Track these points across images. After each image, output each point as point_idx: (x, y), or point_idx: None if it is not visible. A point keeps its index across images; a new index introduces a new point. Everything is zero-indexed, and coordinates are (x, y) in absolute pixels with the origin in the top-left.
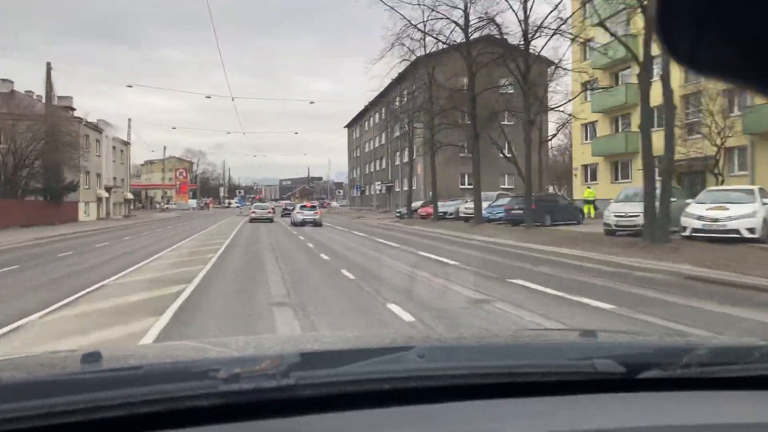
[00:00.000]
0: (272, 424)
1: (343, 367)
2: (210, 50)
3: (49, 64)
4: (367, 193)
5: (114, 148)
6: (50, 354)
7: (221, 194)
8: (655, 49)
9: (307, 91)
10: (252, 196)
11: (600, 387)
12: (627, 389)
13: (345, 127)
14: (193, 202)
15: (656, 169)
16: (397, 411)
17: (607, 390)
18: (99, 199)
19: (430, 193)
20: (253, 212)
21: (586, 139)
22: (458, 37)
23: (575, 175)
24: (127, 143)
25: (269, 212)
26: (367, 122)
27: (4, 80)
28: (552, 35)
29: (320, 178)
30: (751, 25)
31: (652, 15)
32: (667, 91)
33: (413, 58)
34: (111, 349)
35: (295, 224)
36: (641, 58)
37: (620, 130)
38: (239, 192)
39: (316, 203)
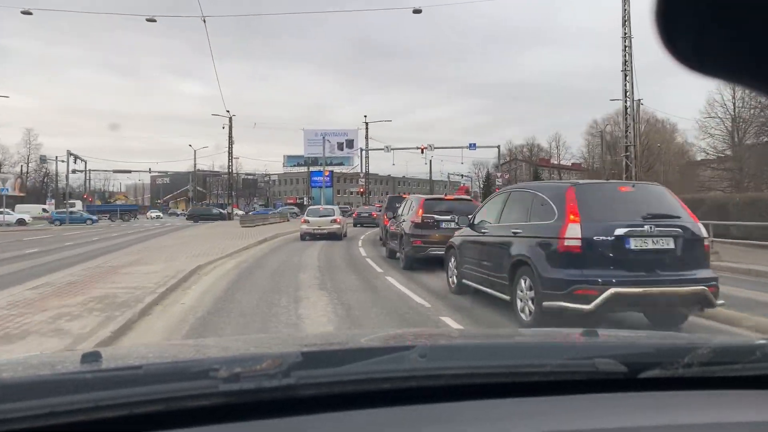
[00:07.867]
0: (273, 423)
1: (344, 367)
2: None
3: None
4: None
5: None
6: (51, 354)
7: (62, 196)
8: None
9: (174, 92)
10: (109, 199)
11: (601, 386)
12: (628, 389)
13: None
14: None
15: None
16: (399, 411)
17: (609, 389)
18: None
19: None
20: (306, 221)
21: None
22: None
23: None
24: None
25: (334, 222)
26: None
27: None
28: None
29: (218, 174)
30: (761, 20)
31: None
32: None
33: None
34: (111, 349)
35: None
36: None
37: None
38: None
39: None
